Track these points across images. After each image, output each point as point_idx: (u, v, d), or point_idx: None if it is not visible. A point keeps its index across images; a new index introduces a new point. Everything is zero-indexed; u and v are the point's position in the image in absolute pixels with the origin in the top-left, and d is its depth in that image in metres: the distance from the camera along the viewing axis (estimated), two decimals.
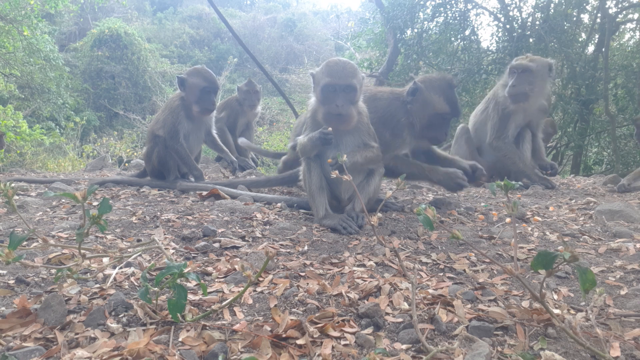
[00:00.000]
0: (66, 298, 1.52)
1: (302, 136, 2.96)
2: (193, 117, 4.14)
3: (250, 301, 1.60)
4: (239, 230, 2.48)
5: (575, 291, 1.76)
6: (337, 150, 2.81)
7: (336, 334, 1.37)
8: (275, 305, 1.55)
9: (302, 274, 1.87)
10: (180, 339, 1.31)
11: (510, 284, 1.84)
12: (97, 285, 1.65)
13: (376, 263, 2.02)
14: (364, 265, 1.99)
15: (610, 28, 8.91)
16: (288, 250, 2.21)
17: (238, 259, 2.01)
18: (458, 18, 10.36)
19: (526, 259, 2.13)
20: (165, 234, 2.32)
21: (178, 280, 1.39)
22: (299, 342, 1.31)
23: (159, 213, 2.74)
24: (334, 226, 2.63)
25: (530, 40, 9.52)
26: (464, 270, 1.96)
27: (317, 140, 2.73)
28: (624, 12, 9.72)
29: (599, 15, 9.31)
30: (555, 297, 1.71)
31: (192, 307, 1.50)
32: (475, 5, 10.55)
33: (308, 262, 2.02)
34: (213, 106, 4.16)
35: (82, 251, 1.59)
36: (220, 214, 2.80)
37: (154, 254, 2.03)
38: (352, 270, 1.91)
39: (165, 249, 2.00)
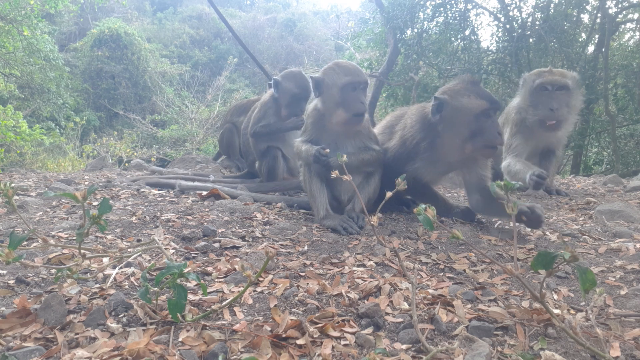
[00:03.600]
0: (66, 298, 1.52)
1: (300, 140, 2.96)
2: None
3: (250, 301, 1.60)
4: (239, 230, 2.48)
5: (575, 291, 1.76)
6: (336, 152, 2.81)
7: (336, 334, 1.37)
8: (275, 305, 1.55)
9: (302, 274, 1.87)
10: (180, 339, 1.31)
11: (510, 284, 1.84)
12: (97, 285, 1.64)
13: (376, 263, 2.02)
14: (364, 265, 1.99)
15: (610, 28, 8.91)
16: (288, 250, 2.21)
17: (238, 259, 2.01)
18: (458, 18, 10.36)
19: (526, 259, 2.13)
20: (165, 234, 2.32)
21: (178, 280, 1.39)
22: (299, 342, 1.31)
23: (159, 213, 2.74)
24: (334, 227, 2.63)
25: (530, 40, 9.52)
26: (464, 270, 1.96)
27: (312, 157, 2.73)
28: (624, 12, 9.72)
29: (599, 15, 9.31)
30: (555, 297, 1.71)
31: (192, 307, 1.50)
32: (475, 5, 10.55)
33: (308, 262, 2.02)
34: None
35: (82, 251, 1.59)
36: (220, 214, 2.80)
37: (154, 254, 2.03)
38: (352, 270, 1.91)
39: (165, 249, 2.00)
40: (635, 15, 10.02)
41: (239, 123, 6.28)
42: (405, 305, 1.57)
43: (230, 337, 1.34)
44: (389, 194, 2.01)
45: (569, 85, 3.80)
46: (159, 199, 3.31)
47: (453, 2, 10.36)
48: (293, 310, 1.54)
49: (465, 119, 2.63)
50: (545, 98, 3.81)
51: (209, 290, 1.65)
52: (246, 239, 2.34)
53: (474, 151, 2.68)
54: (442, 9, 10.42)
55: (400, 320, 1.47)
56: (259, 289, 1.70)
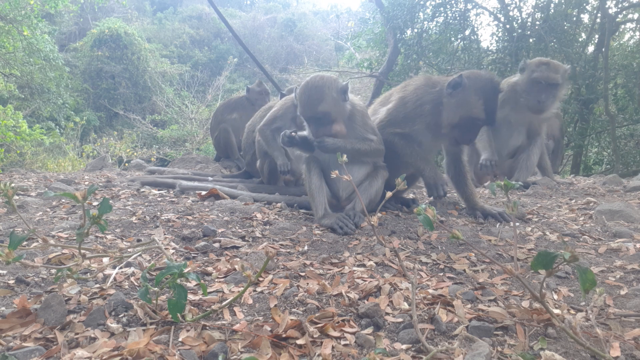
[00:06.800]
0: (66, 298, 1.52)
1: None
2: None
3: (250, 301, 1.60)
4: (239, 230, 2.48)
5: (575, 291, 1.76)
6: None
7: (336, 334, 1.37)
8: (275, 305, 1.55)
9: (302, 274, 1.87)
10: (180, 339, 1.31)
11: (510, 284, 1.84)
12: (97, 285, 1.64)
13: (376, 263, 2.02)
14: (364, 265, 1.99)
15: (610, 28, 8.91)
16: (288, 250, 2.21)
17: (238, 259, 2.01)
18: (458, 18, 10.37)
19: (526, 259, 2.13)
20: (165, 234, 2.32)
21: (178, 280, 1.39)
22: (299, 342, 1.31)
23: (159, 213, 2.74)
24: (330, 225, 2.63)
25: (530, 40, 9.52)
26: (464, 270, 1.96)
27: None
28: (624, 12, 9.72)
29: (599, 15, 9.31)
30: (555, 297, 1.71)
31: (192, 307, 1.50)
32: (475, 5, 10.55)
33: (308, 262, 2.02)
34: None
35: (82, 251, 1.59)
36: (220, 214, 2.80)
37: (154, 254, 2.03)
38: (352, 270, 1.91)
39: (165, 249, 2.00)
40: (635, 15, 10.02)
41: (231, 121, 6.30)
42: (405, 305, 1.57)
43: (230, 337, 1.34)
44: (389, 193, 2.03)
45: (559, 81, 4.29)
46: (159, 199, 3.31)
47: (453, 2, 10.37)
48: (293, 310, 1.54)
49: (461, 112, 2.96)
50: (537, 90, 4.32)
51: (209, 290, 1.65)
52: (246, 239, 2.34)
53: (446, 135, 3.09)
54: (442, 9, 10.42)
55: (400, 320, 1.47)
56: (259, 289, 1.70)
